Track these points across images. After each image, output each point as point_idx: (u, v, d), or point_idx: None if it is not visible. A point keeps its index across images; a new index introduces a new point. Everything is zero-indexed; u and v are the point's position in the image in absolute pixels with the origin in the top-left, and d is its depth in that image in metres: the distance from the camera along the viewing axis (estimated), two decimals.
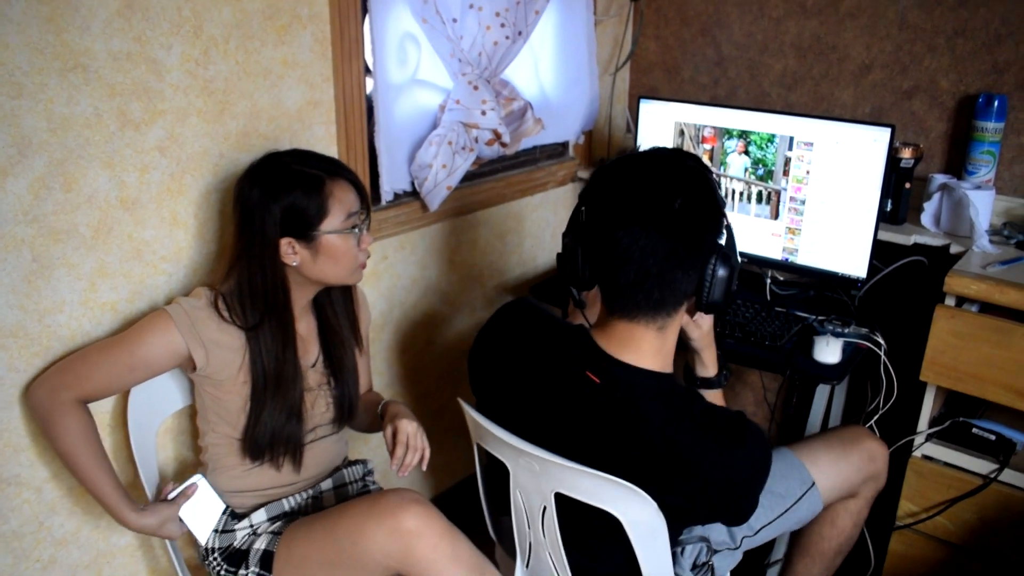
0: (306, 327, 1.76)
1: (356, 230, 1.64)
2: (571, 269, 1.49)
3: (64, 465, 1.59)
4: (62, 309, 1.62)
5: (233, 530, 1.71)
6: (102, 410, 1.72)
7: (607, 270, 1.40)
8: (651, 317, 1.41)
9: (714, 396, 1.67)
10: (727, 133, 2.29)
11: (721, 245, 1.41)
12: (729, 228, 1.45)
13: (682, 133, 2.33)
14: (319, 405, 1.77)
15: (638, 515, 1.40)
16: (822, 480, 1.82)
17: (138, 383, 1.64)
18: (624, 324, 1.43)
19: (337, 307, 1.80)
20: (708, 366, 1.66)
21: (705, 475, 1.39)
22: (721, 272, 1.39)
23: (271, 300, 1.63)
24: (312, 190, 1.58)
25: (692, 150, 2.34)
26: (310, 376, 1.75)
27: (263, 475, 1.74)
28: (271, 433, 1.67)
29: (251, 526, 1.71)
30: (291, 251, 1.60)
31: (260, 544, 1.66)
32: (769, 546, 2.10)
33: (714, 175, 1.48)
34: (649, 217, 1.34)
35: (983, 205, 2.12)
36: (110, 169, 1.62)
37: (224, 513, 1.71)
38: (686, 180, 1.37)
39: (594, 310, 1.54)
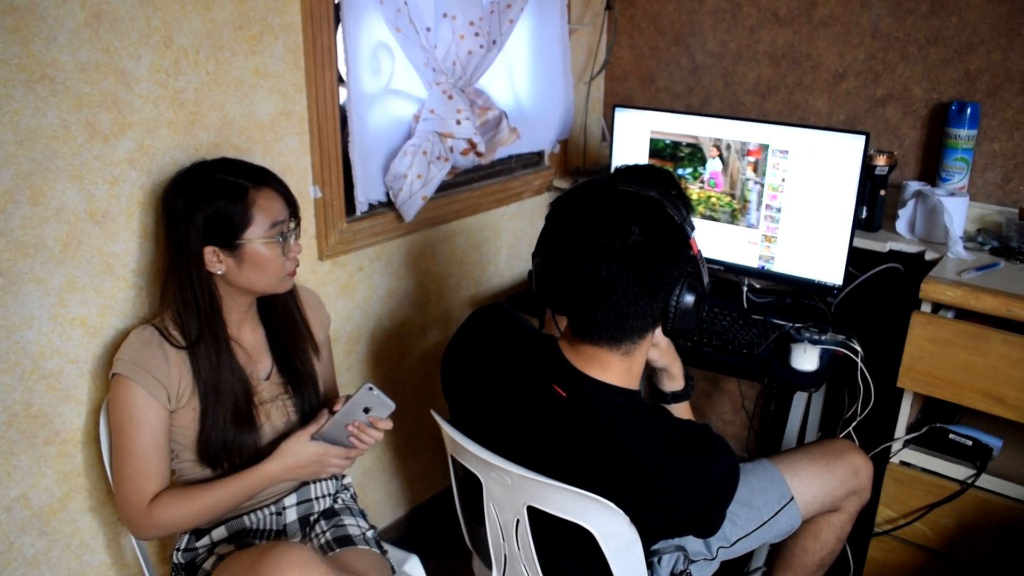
0: (254, 338, 1.75)
1: (282, 239, 1.63)
2: (537, 292, 1.48)
3: (214, 514, 1.65)
4: (31, 325, 1.59)
5: (195, 548, 1.70)
6: (73, 427, 1.70)
7: (566, 299, 1.39)
8: (615, 344, 1.39)
9: (684, 408, 1.67)
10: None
11: (688, 271, 1.38)
12: (696, 256, 1.42)
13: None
14: (278, 416, 1.74)
15: (610, 528, 1.39)
16: (804, 493, 1.81)
17: (168, 443, 1.64)
18: (589, 346, 1.41)
19: (285, 315, 1.78)
20: (677, 378, 1.66)
21: (674, 491, 1.37)
22: (687, 300, 1.37)
23: (202, 309, 1.62)
24: (235, 199, 1.57)
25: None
26: (265, 388, 1.73)
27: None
28: (221, 443, 1.65)
29: (211, 542, 1.70)
30: (216, 260, 1.59)
31: (208, 565, 1.66)
32: (748, 554, 2.09)
33: (683, 201, 1.45)
34: (602, 252, 1.32)
35: (957, 212, 2.13)
36: (78, 182, 1.60)
37: (187, 532, 1.71)
38: (641, 212, 1.34)
39: (564, 319, 1.51)
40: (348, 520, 1.83)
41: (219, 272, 1.61)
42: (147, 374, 1.57)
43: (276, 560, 1.42)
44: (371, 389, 1.60)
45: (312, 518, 1.84)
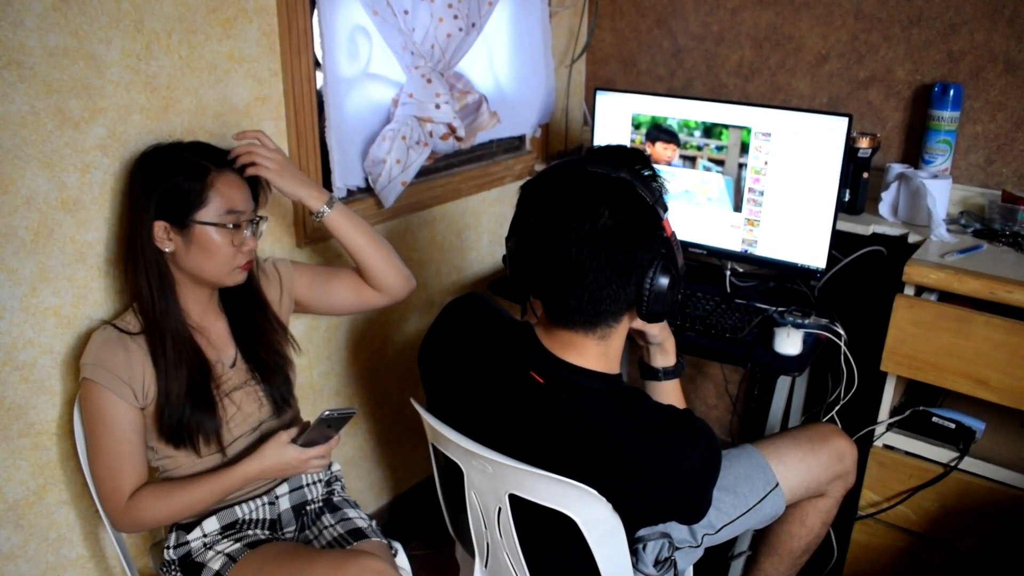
0: (217, 328, 1.73)
1: (235, 228, 1.60)
2: (512, 277, 1.46)
3: (193, 510, 1.65)
4: (2, 316, 1.56)
5: (187, 542, 1.68)
6: (48, 419, 1.67)
7: (539, 284, 1.37)
8: (590, 328, 1.37)
9: (674, 386, 1.66)
10: None
11: (661, 253, 1.36)
12: (670, 238, 1.40)
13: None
14: (249, 403, 1.72)
15: (593, 515, 1.38)
16: (789, 479, 1.80)
17: (142, 440, 1.63)
18: (564, 331, 1.39)
19: (249, 307, 1.77)
20: (670, 353, 1.64)
21: (655, 476, 1.36)
22: (661, 282, 1.34)
23: (154, 286, 1.60)
24: (193, 177, 1.56)
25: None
26: (233, 375, 1.71)
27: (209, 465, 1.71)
28: (178, 419, 1.62)
29: (203, 535, 1.68)
30: (165, 236, 1.57)
31: (214, 564, 1.63)
32: (733, 539, 2.09)
33: (656, 182, 1.41)
34: (572, 236, 1.29)
35: (940, 194, 2.12)
36: (49, 169, 1.57)
37: (173, 529, 1.69)
38: (611, 194, 1.31)
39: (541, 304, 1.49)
40: (352, 513, 1.84)
41: (167, 250, 1.58)
42: (111, 375, 1.56)
43: (357, 571, 1.48)
44: (327, 413, 1.60)
45: (308, 507, 1.84)
